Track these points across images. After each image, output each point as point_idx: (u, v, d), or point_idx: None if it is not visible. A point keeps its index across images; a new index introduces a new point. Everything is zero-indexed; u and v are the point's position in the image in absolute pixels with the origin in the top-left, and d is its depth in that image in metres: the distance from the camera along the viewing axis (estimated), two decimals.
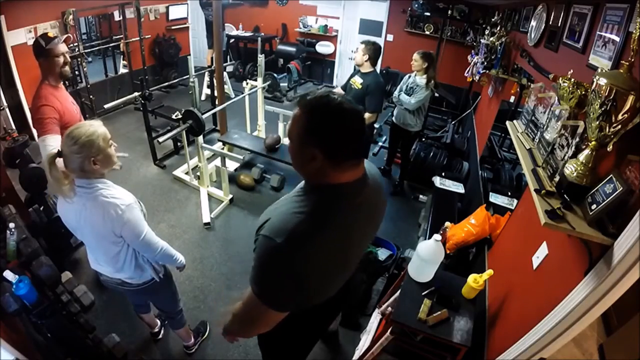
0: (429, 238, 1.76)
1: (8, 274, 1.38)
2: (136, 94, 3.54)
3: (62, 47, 1.89)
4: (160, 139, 2.92)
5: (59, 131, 1.82)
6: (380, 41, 6.36)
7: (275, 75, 4.55)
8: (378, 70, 3.20)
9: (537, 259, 1.47)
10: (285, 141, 4.32)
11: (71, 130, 1.26)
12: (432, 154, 3.79)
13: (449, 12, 5.03)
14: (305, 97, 0.91)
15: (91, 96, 4.60)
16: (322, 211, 0.92)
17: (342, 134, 0.88)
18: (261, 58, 4.18)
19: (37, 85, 1.89)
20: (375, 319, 2.10)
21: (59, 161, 1.27)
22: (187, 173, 3.72)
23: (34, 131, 1.93)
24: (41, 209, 2.46)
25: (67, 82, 4.46)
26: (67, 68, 1.92)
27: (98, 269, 1.56)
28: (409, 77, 3.47)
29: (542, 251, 1.44)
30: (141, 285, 1.57)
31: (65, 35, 1.96)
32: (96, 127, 1.29)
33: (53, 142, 1.76)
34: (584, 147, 1.10)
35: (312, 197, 0.94)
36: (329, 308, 1.30)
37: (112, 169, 1.39)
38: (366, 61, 2.99)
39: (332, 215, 0.93)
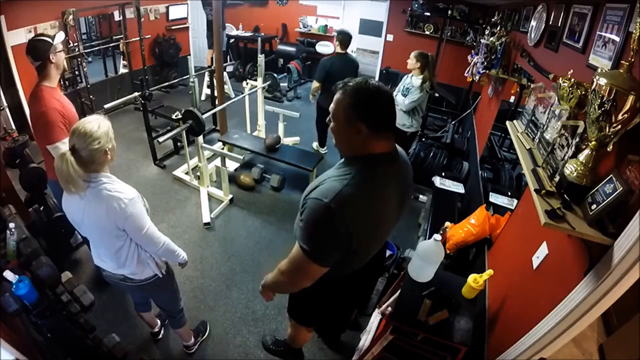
0: (429, 238, 1.76)
1: (8, 274, 1.38)
2: (136, 94, 3.54)
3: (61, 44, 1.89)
4: (160, 139, 2.92)
5: (67, 133, 1.81)
6: (380, 41, 6.38)
7: (275, 75, 4.57)
8: (353, 53, 3.97)
9: (537, 259, 1.47)
10: (285, 141, 4.34)
11: (82, 126, 1.27)
12: (432, 154, 3.79)
13: (449, 12, 5.03)
14: (347, 84, 1.08)
15: (91, 96, 4.60)
16: (365, 173, 1.06)
17: (380, 109, 1.06)
18: (261, 58, 4.18)
19: (34, 88, 1.86)
20: (375, 319, 2.10)
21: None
22: (187, 173, 3.72)
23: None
24: (41, 209, 2.46)
25: (67, 82, 4.49)
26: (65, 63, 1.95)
27: (101, 265, 1.57)
28: (407, 77, 3.47)
29: (542, 251, 1.44)
30: (143, 281, 1.58)
31: (60, 31, 1.96)
32: (102, 119, 1.34)
33: (64, 147, 1.76)
34: (584, 147, 1.10)
35: (353, 165, 1.09)
36: (369, 271, 1.44)
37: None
38: (337, 46, 3.78)
39: (372, 179, 1.07)
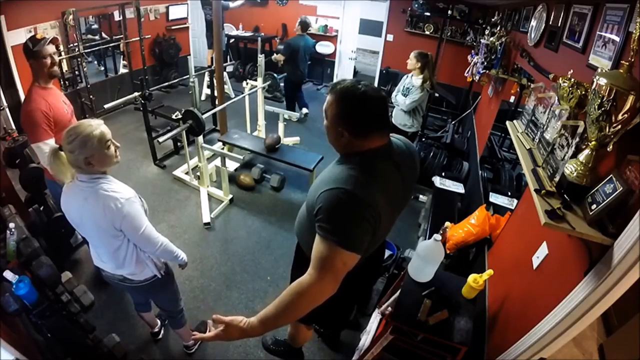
0: (429, 238, 1.76)
1: (8, 274, 1.37)
2: (136, 94, 3.54)
3: (50, 49, 1.91)
4: (160, 139, 2.92)
5: (51, 134, 1.89)
6: (380, 41, 6.39)
7: (275, 75, 4.58)
8: (307, 37, 5.07)
9: (537, 259, 1.47)
10: (285, 141, 4.34)
11: (71, 128, 1.29)
12: (432, 154, 3.78)
13: (449, 12, 5.03)
14: (337, 85, 1.09)
15: (91, 96, 4.60)
16: (367, 165, 1.08)
17: (363, 117, 1.08)
18: (261, 58, 4.18)
19: (29, 87, 1.93)
20: (375, 319, 2.10)
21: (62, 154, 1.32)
22: (187, 173, 3.72)
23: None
24: (41, 209, 2.45)
25: (67, 82, 4.49)
26: (55, 68, 1.96)
27: (100, 265, 1.57)
28: (407, 77, 3.47)
29: (542, 251, 1.44)
30: (142, 282, 1.58)
31: (52, 37, 1.97)
32: (94, 127, 1.29)
33: (46, 148, 1.85)
34: (584, 147, 1.10)
35: (353, 159, 1.10)
36: (369, 269, 1.45)
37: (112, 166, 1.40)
38: (299, 30, 4.86)
39: (374, 168, 1.09)
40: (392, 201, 1.16)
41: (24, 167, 2.45)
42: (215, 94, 4.26)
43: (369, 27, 7.59)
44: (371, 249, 1.29)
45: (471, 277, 1.57)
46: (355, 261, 1.03)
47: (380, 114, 1.10)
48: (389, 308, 1.95)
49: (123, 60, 5.59)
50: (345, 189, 1.01)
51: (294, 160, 3.39)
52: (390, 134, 1.20)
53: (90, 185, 1.32)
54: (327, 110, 1.13)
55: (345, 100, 1.07)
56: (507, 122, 1.94)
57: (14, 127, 3.69)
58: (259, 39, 4.68)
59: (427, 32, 5.85)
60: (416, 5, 5.39)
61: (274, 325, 1.07)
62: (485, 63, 3.20)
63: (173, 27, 6.08)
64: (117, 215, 1.32)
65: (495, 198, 2.57)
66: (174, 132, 3.12)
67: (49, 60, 1.91)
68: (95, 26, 5.35)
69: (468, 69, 3.83)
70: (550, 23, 2.08)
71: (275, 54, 5.01)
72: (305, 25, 4.88)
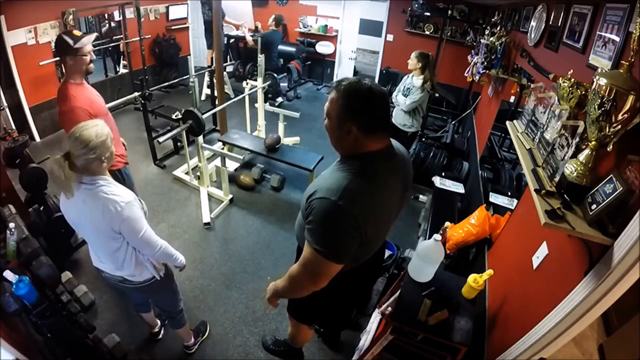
0: (429, 238, 1.76)
1: (8, 274, 1.38)
2: (136, 94, 3.54)
3: (89, 46, 1.89)
4: (160, 139, 2.91)
5: None
6: (380, 41, 6.40)
7: (275, 75, 4.59)
8: (279, 32, 5.73)
9: (537, 259, 1.47)
10: (285, 141, 4.34)
11: (80, 133, 1.26)
12: (432, 154, 3.79)
13: (449, 12, 5.02)
14: (341, 83, 1.08)
15: None
16: (364, 169, 1.08)
17: (372, 112, 1.06)
18: (261, 58, 4.18)
19: (60, 85, 1.90)
20: (375, 319, 2.10)
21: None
22: (187, 173, 3.72)
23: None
24: (41, 209, 2.46)
25: None
26: (91, 65, 1.94)
27: (99, 266, 1.57)
28: (407, 77, 3.47)
29: (542, 251, 1.44)
30: (142, 283, 1.57)
31: (94, 34, 1.95)
32: (101, 126, 1.31)
33: None
34: (584, 147, 1.10)
35: (352, 162, 1.10)
36: (369, 269, 1.46)
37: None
38: (273, 25, 5.47)
39: (374, 172, 1.09)
40: (389, 205, 1.17)
41: (24, 167, 2.45)
42: (215, 94, 4.25)
43: (369, 27, 7.60)
44: (367, 255, 1.30)
45: (471, 277, 1.57)
46: (337, 269, 1.10)
47: (385, 113, 1.09)
48: (389, 308, 1.95)
49: (123, 60, 5.59)
50: (337, 202, 1.00)
51: (294, 160, 3.38)
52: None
53: (89, 187, 1.31)
54: (330, 108, 1.09)
55: (351, 95, 1.05)
56: (507, 122, 1.94)
57: (14, 127, 3.69)
58: (259, 38, 4.68)
59: (427, 32, 5.85)
60: (416, 5, 5.39)
61: (279, 294, 1.30)
62: (485, 63, 3.20)
63: (173, 27, 6.09)
64: (116, 218, 1.31)
65: (495, 198, 2.57)
66: (174, 132, 3.12)
67: (88, 58, 1.88)
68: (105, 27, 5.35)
69: (468, 69, 3.83)
70: (550, 23, 2.08)
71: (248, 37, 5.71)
72: (278, 22, 5.55)
